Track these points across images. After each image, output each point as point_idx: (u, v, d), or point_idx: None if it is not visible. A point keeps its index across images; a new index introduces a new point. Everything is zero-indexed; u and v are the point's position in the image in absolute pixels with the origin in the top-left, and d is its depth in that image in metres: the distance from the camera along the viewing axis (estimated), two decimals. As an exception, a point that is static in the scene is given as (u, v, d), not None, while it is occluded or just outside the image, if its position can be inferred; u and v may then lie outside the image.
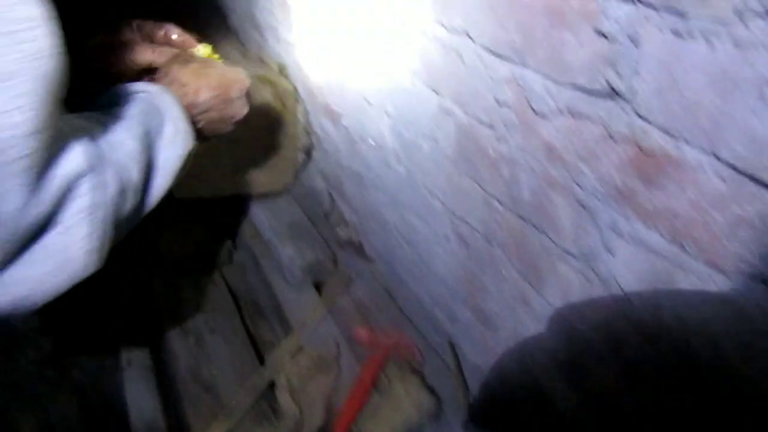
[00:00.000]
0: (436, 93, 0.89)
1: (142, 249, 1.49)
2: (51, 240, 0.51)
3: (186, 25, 0.90)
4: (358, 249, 1.56)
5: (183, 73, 0.77)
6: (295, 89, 1.48)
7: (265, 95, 1.39)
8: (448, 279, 1.11)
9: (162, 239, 1.45)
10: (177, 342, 1.27)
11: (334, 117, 1.36)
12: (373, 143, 1.20)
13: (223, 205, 1.54)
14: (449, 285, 1.12)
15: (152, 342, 1.33)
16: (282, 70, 1.56)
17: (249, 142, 1.42)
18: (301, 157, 1.54)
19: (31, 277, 0.52)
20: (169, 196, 1.43)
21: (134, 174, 0.61)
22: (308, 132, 1.53)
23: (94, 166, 0.54)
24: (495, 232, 0.89)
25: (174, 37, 0.87)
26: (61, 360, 1.50)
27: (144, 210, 0.67)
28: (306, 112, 1.52)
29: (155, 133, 0.66)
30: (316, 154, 1.58)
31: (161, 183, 0.67)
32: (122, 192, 0.58)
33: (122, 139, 0.60)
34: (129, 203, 0.61)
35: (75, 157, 0.52)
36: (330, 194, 1.59)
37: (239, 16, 1.71)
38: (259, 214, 1.52)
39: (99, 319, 1.72)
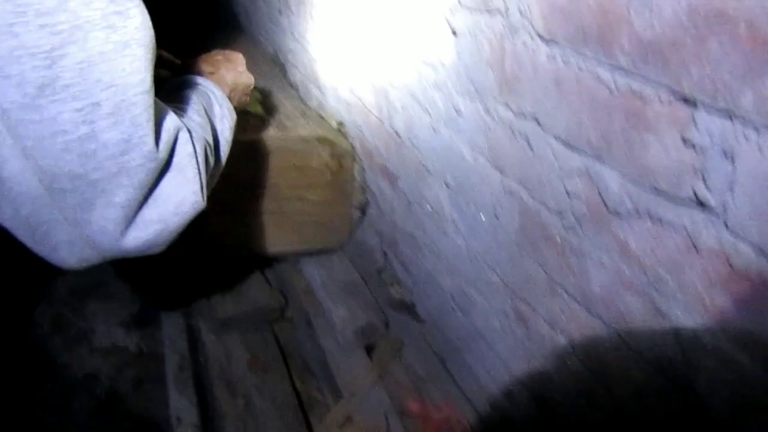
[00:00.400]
0: (500, 172, 0.86)
1: (195, 301, 1.50)
2: (168, 183, 0.61)
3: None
4: (411, 310, 1.52)
5: (206, 67, 0.98)
6: (353, 147, 1.48)
7: (323, 155, 1.40)
8: (506, 355, 1.06)
9: (215, 293, 1.46)
10: (226, 402, 1.26)
11: (391, 178, 1.34)
12: (430, 209, 1.18)
13: (276, 261, 1.54)
14: (506, 362, 1.06)
15: (201, 399, 1.32)
16: (340, 127, 1.57)
17: (305, 201, 1.42)
18: (356, 214, 1.53)
19: (158, 218, 0.60)
20: (223, 251, 1.41)
21: (208, 137, 0.71)
22: (364, 190, 1.52)
23: (184, 125, 0.63)
24: (559, 320, 0.84)
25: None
26: (113, 410, 1.52)
27: (219, 169, 0.77)
28: (363, 170, 1.51)
29: (209, 110, 0.77)
30: (371, 211, 1.57)
31: (224, 149, 0.79)
32: (205, 148, 0.68)
33: (190, 113, 0.71)
34: (210, 159, 0.70)
35: (171, 116, 0.61)
36: (384, 252, 1.57)
37: (301, 73, 1.74)
38: (312, 270, 1.51)
39: (151, 368, 1.73)
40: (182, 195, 0.62)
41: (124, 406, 1.59)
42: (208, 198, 0.68)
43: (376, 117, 1.29)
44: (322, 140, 1.41)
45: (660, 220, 0.57)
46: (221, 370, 1.35)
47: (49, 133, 0.51)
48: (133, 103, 0.54)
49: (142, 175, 0.56)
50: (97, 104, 0.52)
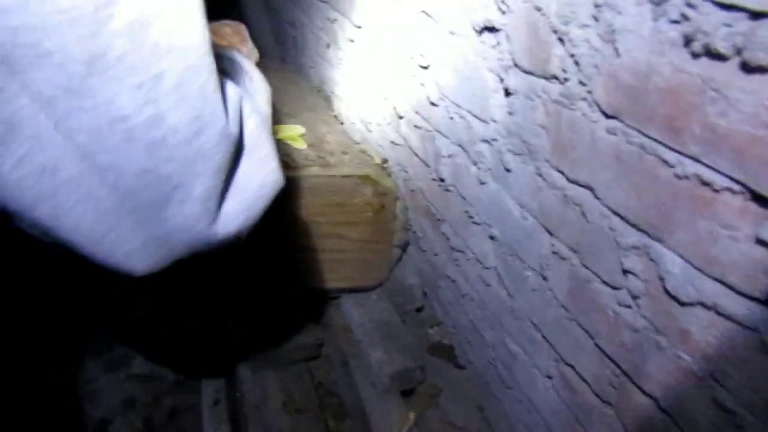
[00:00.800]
0: (550, 234, 0.83)
1: (231, 337, 1.50)
2: (245, 164, 0.52)
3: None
4: (449, 353, 1.49)
5: (217, 39, 0.88)
6: (396, 186, 1.46)
7: (365, 193, 1.39)
8: (548, 417, 1.02)
9: (251, 328, 1.46)
10: (260, 444, 1.25)
11: (434, 221, 1.32)
12: (473, 257, 1.15)
13: (314, 297, 1.53)
14: (548, 423, 1.02)
15: (236, 439, 1.32)
16: (384, 164, 1.56)
17: (345, 238, 1.41)
18: (396, 253, 1.51)
19: (241, 208, 0.53)
20: (260, 287, 1.38)
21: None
22: (406, 229, 1.50)
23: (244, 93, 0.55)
24: (608, 392, 0.80)
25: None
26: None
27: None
28: (405, 209, 1.50)
29: (240, 83, 0.65)
30: (412, 249, 1.55)
31: (267, 122, 0.66)
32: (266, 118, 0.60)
33: (228, 85, 0.61)
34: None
35: (229, 83, 0.52)
36: (423, 292, 1.55)
37: (346, 106, 1.74)
38: (349, 308, 1.49)
39: (187, 398, 1.74)
40: (262, 176, 0.54)
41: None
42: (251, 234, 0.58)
43: (421, 160, 1.28)
44: (364, 179, 1.40)
45: (728, 315, 0.53)
46: (256, 409, 1.34)
47: (107, 122, 0.42)
48: (197, 70, 0.45)
49: (218, 159, 0.48)
50: (158, 76, 0.43)
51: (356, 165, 1.46)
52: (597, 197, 0.68)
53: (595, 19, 0.59)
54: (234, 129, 0.49)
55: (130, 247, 0.50)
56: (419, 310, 1.59)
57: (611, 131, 0.62)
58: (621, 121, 0.60)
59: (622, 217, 0.65)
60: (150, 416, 1.73)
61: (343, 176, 1.41)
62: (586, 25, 0.60)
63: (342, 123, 1.81)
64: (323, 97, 1.93)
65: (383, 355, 1.35)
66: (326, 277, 1.45)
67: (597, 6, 0.58)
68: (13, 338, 1.71)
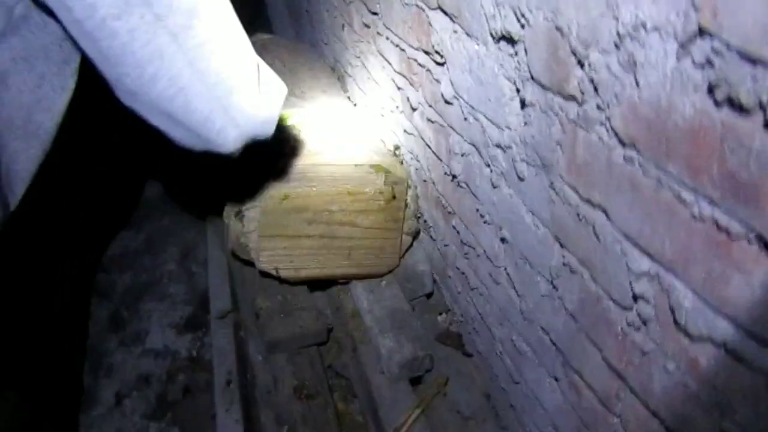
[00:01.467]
0: (561, 246, 0.83)
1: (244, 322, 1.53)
2: (263, 69, 0.89)
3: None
4: (457, 341, 1.50)
5: None
6: (408, 174, 1.46)
7: (376, 182, 1.38)
8: (553, 413, 1.04)
9: (263, 313, 1.48)
10: (270, 429, 1.28)
11: (445, 213, 1.32)
12: (483, 254, 1.15)
13: (325, 283, 1.55)
14: (554, 419, 1.04)
15: (246, 418, 1.35)
16: (396, 150, 1.55)
17: (356, 226, 1.42)
18: (407, 241, 1.51)
19: (270, 98, 0.88)
20: (272, 274, 1.42)
21: None
22: (417, 217, 1.50)
23: None
24: (614, 403, 0.81)
25: None
26: (161, 418, 1.57)
27: None
28: (417, 197, 1.49)
29: None
30: (423, 236, 1.55)
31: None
32: None
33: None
34: None
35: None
36: (434, 279, 1.56)
37: (359, 89, 1.72)
38: (359, 294, 1.50)
39: (200, 376, 1.78)
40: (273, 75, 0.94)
41: (173, 414, 1.65)
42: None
43: (434, 153, 1.27)
44: (377, 168, 1.40)
45: (739, 356, 0.53)
46: (267, 393, 1.37)
47: (205, 43, 0.74)
48: (234, 18, 0.81)
49: (255, 69, 0.85)
50: (229, 21, 0.80)
51: (368, 152, 1.45)
52: (610, 219, 0.68)
53: (617, 47, 0.57)
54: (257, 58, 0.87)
55: (218, 127, 0.81)
56: (429, 296, 1.61)
57: (628, 160, 0.61)
58: (639, 152, 0.59)
59: (634, 243, 0.65)
60: (164, 393, 1.79)
61: (356, 165, 1.40)
62: (607, 52, 0.59)
63: (355, 104, 1.80)
64: (337, 76, 1.90)
65: (393, 343, 1.37)
66: (337, 264, 1.47)
67: (620, 35, 0.56)
68: (32, 312, 1.75)
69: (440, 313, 1.55)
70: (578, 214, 0.74)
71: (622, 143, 0.61)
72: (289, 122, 1.50)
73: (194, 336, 1.92)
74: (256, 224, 1.39)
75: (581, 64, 0.64)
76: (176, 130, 0.81)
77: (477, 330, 1.34)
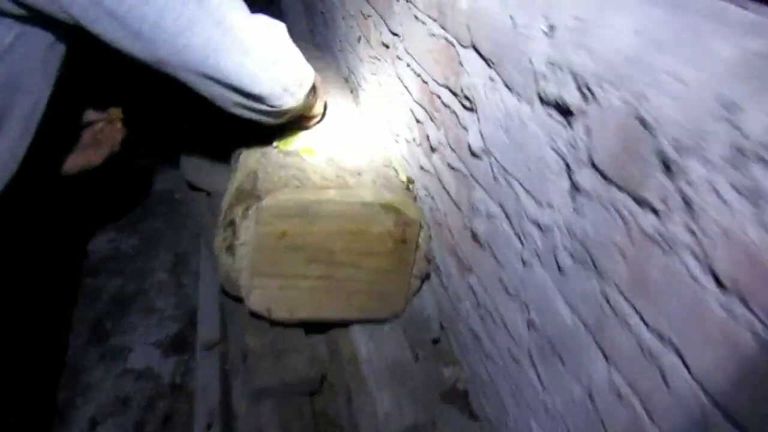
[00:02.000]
0: (608, 361, 0.67)
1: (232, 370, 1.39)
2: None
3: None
4: (463, 400, 1.36)
5: None
6: (422, 213, 1.30)
7: (386, 222, 1.23)
8: None
9: (252, 355, 1.33)
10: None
11: (461, 265, 1.16)
12: (504, 328, 1.00)
13: (322, 326, 1.40)
14: None
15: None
16: (409, 184, 1.39)
17: (360, 268, 1.27)
18: (415, 284, 1.36)
19: (287, 69, 1.00)
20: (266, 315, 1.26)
21: None
22: (429, 260, 1.35)
23: None
24: None
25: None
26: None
27: None
28: (429, 238, 1.34)
29: None
30: (433, 278, 1.40)
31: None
32: None
33: None
34: None
35: None
36: (441, 325, 1.41)
37: (373, 106, 1.56)
38: (359, 340, 1.36)
39: (182, 407, 1.65)
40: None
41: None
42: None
43: (453, 201, 1.11)
44: (387, 207, 1.24)
45: None
46: (251, 445, 1.23)
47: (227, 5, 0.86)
48: None
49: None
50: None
51: (378, 189, 1.29)
52: (687, 367, 0.52)
53: (734, 166, 0.41)
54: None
55: (251, 69, 0.90)
56: (435, 341, 1.46)
57: (727, 309, 0.45)
58: (746, 305, 0.43)
59: (720, 407, 0.49)
60: (143, 421, 1.65)
61: (363, 203, 1.24)
62: (714, 167, 0.43)
63: (368, 121, 1.64)
64: (351, 87, 1.74)
65: (392, 403, 1.22)
66: (336, 307, 1.32)
67: (739, 150, 0.40)
68: (16, 321, 1.63)
69: (446, 364, 1.40)
70: (640, 345, 0.58)
71: (722, 286, 0.45)
72: (293, 148, 1.34)
73: (179, 359, 1.79)
74: (249, 261, 1.24)
75: (669, 170, 0.48)
76: (207, 84, 0.89)
77: (487, 395, 1.19)
